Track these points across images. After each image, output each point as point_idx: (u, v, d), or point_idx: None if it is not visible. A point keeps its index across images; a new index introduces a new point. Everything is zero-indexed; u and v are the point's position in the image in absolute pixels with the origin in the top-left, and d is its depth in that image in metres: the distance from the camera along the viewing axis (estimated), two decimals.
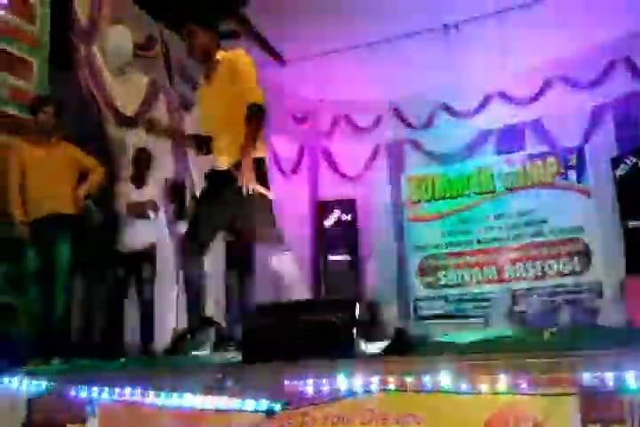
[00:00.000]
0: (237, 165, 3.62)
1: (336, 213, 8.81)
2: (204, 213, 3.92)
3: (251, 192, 3.54)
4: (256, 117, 3.63)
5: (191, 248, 3.92)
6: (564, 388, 2.34)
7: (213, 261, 6.98)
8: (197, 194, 5.34)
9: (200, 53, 3.87)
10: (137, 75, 6.37)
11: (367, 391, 2.62)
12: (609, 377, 2.25)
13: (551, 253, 7.74)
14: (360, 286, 8.51)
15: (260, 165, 3.70)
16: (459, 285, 8.19)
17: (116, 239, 5.71)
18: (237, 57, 3.82)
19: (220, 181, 3.79)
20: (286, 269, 3.81)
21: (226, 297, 6.62)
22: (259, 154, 3.75)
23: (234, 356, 3.20)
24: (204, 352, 3.75)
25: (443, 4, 7.48)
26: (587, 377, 2.29)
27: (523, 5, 7.47)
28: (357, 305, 2.98)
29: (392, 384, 2.55)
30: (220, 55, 3.87)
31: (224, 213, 3.80)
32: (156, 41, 6.63)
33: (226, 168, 3.75)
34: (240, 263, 6.82)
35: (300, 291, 3.86)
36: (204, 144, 3.90)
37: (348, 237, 8.75)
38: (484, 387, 2.44)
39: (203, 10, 3.95)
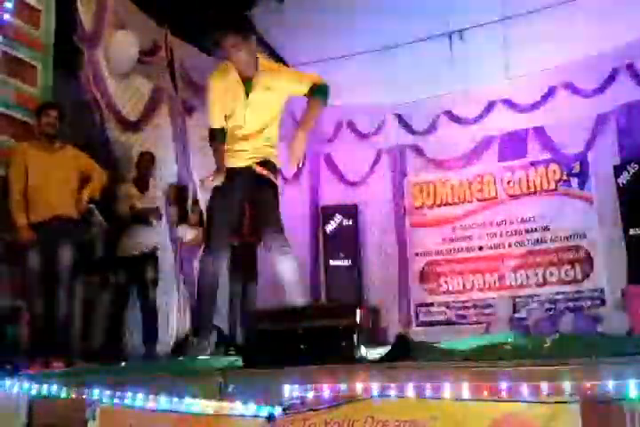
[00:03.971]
0: (265, 164, 3.85)
1: (338, 219, 8.81)
2: (226, 211, 3.93)
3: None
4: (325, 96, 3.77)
5: (214, 248, 3.90)
6: (565, 396, 2.34)
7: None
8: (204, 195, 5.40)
9: (242, 69, 3.74)
10: (141, 80, 6.39)
11: (368, 397, 2.62)
12: (610, 385, 2.25)
13: (553, 261, 7.73)
14: (361, 292, 8.51)
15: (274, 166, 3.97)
16: (460, 291, 8.18)
17: (119, 242, 5.72)
18: (274, 73, 3.83)
19: (244, 179, 3.86)
20: (287, 273, 3.81)
21: (228, 301, 6.66)
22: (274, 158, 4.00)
23: (235, 360, 3.21)
24: (205, 356, 3.75)
25: (447, 11, 7.51)
26: (588, 385, 2.29)
27: (526, 13, 7.50)
28: (358, 310, 2.98)
29: (393, 390, 2.55)
30: (263, 67, 3.81)
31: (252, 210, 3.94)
32: (161, 46, 6.65)
33: (248, 165, 3.87)
34: (243, 267, 6.86)
35: (300, 295, 3.85)
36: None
37: (349, 242, 8.75)
38: (485, 394, 2.44)
39: (238, 17, 3.90)
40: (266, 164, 3.93)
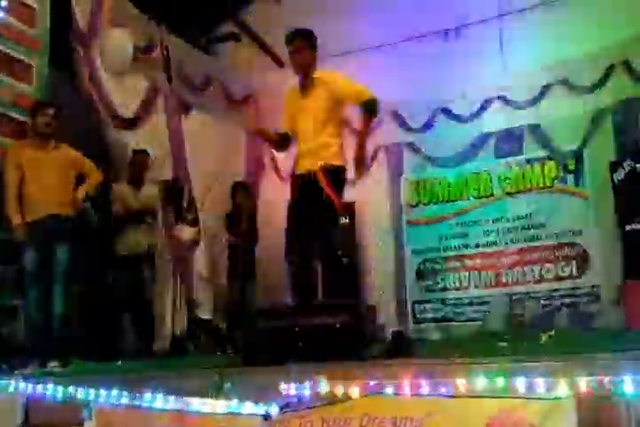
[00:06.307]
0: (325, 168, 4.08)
1: None
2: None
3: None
4: (374, 112, 4.19)
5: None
6: (562, 392, 2.35)
7: (213, 264, 7.01)
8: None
9: (302, 70, 4.25)
10: (136, 77, 6.37)
11: (364, 395, 2.62)
12: (606, 381, 2.25)
13: (549, 257, 7.72)
14: (358, 290, 8.49)
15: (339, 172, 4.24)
16: (457, 288, 8.18)
17: (114, 241, 5.71)
18: (335, 82, 4.27)
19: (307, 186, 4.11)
20: None
21: (226, 299, 6.66)
22: (337, 162, 4.28)
23: (232, 358, 3.21)
24: (202, 355, 3.75)
25: (443, 8, 7.51)
26: (584, 381, 2.29)
27: (522, 9, 7.51)
28: (356, 308, 2.98)
29: (389, 387, 2.55)
30: (318, 74, 4.25)
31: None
32: (156, 44, 6.63)
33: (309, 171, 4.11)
34: (242, 267, 6.89)
35: None
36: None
37: (346, 240, 8.73)
38: (482, 391, 2.44)
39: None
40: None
